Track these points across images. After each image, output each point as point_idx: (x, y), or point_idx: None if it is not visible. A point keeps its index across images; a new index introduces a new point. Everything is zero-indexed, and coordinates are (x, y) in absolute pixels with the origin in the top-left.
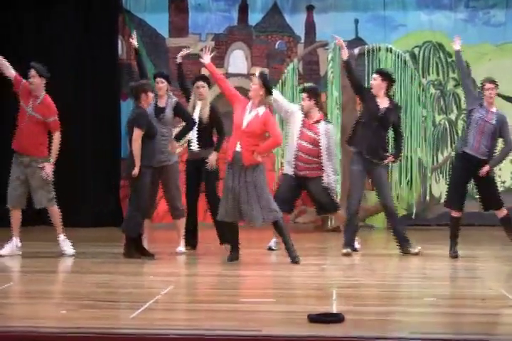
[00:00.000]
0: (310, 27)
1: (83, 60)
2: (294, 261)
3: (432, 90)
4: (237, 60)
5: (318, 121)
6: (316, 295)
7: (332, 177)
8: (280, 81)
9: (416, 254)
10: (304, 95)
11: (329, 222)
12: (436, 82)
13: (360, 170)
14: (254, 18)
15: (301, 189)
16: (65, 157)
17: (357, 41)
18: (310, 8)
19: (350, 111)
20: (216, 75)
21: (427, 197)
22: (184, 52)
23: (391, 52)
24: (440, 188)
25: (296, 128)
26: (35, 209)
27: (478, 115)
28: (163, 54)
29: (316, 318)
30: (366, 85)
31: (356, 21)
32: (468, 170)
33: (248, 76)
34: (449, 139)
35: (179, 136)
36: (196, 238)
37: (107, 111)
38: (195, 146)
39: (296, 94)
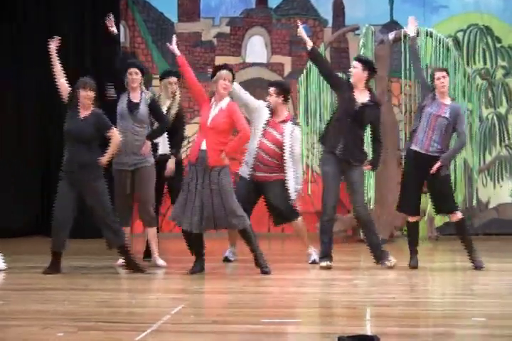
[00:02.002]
0: (338, 9)
1: (81, 49)
2: (264, 271)
3: (479, 80)
4: (256, 47)
5: (284, 121)
6: (347, 315)
7: (293, 184)
8: (304, 71)
9: (390, 268)
10: (272, 90)
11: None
12: (483, 71)
13: (333, 172)
14: None
15: (258, 194)
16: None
17: (392, 25)
18: None
19: (384, 105)
20: (188, 71)
21: (473, 203)
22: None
23: (431, 37)
24: (488, 192)
25: (260, 125)
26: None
27: (428, 110)
28: (170, 41)
29: None
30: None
31: (391, 2)
32: (419, 170)
33: (268, 65)
34: (497, 136)
35: (150, 137)
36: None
37: (109, 105)
38: (162, 150)
39: (323, 86)
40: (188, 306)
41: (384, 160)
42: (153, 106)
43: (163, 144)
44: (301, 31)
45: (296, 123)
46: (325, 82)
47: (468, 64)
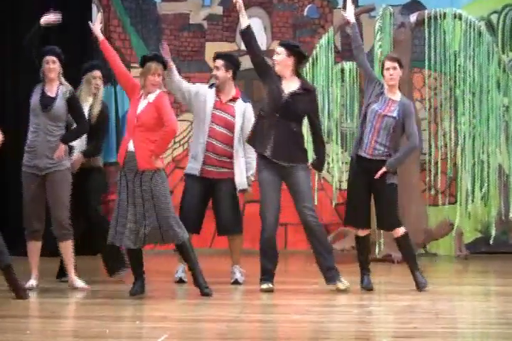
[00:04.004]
0: None
1: (44, 37)
2: (204, 293)
3: None
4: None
5: (234, 99)
6: None
7: (244, 176)
8: (310, 60)
9: (343, 291)
10: (219, 63)
11: (377, 249)
12: None
13: (270, 179)
14: None
15: (208, 196)
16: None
17: (414, 5)
18: None
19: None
20: (113, 58)
21: (510, 215)
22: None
23: (460, 19)
24: None
25: (207, 109)
26: None
27: (374, 107)
28: (152, 24)
29: None
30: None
31: None
32: (364, 177)
33: (268, 53)
34: None
35: (65, 140)
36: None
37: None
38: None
39: (331, 76)
40: (172, 337)
41: (404, 165)
42: (72, 103)
43: (81, 148)
44: (239, 1)
45: (247, 100)
46: (334, 73)
47: (503, 51)
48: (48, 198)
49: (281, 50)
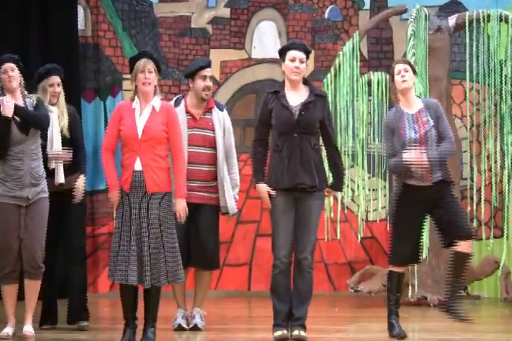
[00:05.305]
0: None
1: (25, 39)
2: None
3: None
4: (266, 37)
5: (208, 110)
6: None
7: (232, 198)
8: (332, 70)
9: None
10: (210, 72)
11: (409, 292)
12: None
13: (284, 205)
14: None
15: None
16: None
17: (452, 6)
18: None
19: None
20: None
21: None
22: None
23: (507, 22)
24: None
25: (182, 133)
26: None
27: (410, 136)
28: (148, 28)
29: None
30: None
31: None
32: (418, 206)
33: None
34: None
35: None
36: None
37: None
38: (59, 179)
39: (356, 89)
40: None
41: None
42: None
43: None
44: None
45: (222, 107)
46: (360, 85)
47: None
48: (25, 230)
49: (304, 57)
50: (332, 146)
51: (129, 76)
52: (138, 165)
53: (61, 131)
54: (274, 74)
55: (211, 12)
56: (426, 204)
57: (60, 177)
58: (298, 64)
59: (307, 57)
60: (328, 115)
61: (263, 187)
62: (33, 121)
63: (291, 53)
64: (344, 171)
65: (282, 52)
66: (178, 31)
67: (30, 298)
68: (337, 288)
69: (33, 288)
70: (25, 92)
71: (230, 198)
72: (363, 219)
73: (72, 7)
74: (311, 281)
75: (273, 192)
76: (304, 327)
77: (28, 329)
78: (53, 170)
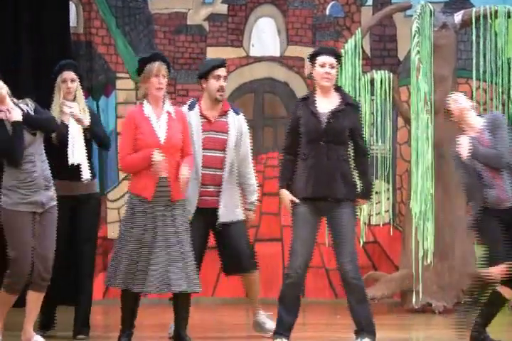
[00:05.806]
0: None
1: (16, 36)
2: None
3: None
4: (265, 34)
5: (224, 113)
6: None
7: (229, 205)
8: None
9: None
10: (224, 72)
11: (414, 298)
12: None
13: (307, 214)
14: None
15: (207, 227)
16: None
17: (459, 2)
18: None
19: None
20: None
21: None
22: None
23: None
24: None
25: (196, 137)
26: None
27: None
28: (142, 25)
29: None
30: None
31: None
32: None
33: (282, 60)
34: None
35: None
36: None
37: None
38: (86, 174)
39: (359, 88)
40: None
41: (448, 195)
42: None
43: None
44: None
45: (238, 112)
46: (362, 84)
47: None
48: (36, 239)
49: (334, 62)
50: (362, 157)
51: (122, 75)
52: (163, 172)
53: (87, 129)
54: (273, 72)
55: (208, 8)
56: None
57: (86, 173)
58: (328, 69)
59: (338, 63)
60: (360, 125)
61: (284, 194)
62: (40, 125)
63: (321, 58)
64: (373, 182)
65: (312, 57)
66: (173, 28)
67: (33, 309)
68: (339, 295)
69: (37, 300)
70: (15, 100)
71: (226, 206)
72: (365, 223)
73: (65, 3)
74: (361, 289)
75: (296, 200)
76: (373, 334)
77: (39, 339)
78: (76, 168)
